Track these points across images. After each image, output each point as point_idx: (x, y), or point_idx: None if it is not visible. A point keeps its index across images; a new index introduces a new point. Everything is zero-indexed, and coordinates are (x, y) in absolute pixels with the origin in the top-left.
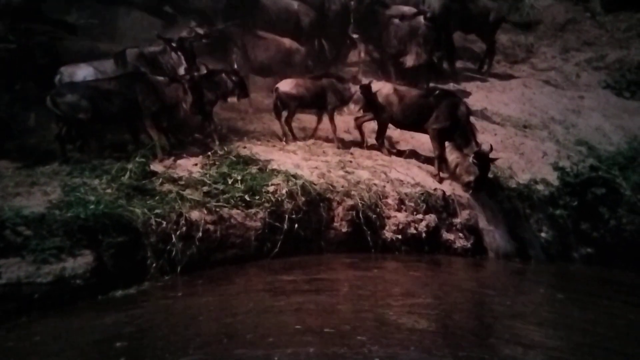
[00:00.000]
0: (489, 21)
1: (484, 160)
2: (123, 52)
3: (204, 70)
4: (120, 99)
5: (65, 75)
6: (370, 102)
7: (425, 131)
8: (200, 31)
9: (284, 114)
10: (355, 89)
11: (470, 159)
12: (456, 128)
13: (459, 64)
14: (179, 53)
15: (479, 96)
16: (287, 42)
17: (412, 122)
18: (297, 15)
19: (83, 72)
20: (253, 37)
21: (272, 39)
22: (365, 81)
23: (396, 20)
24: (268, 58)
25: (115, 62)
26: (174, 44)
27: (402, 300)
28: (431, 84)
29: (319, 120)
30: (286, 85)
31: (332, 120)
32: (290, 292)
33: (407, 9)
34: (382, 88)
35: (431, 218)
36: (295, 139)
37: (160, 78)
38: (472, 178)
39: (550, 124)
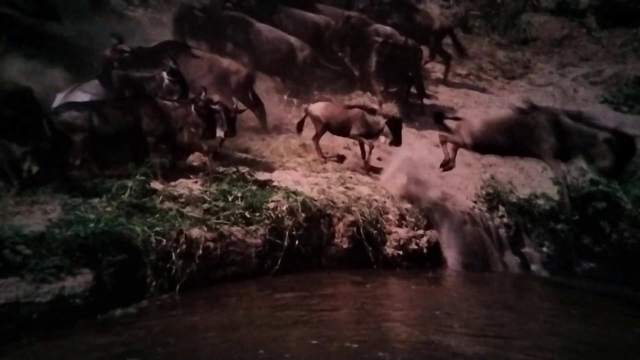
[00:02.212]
0: (432, 31)
1: (628, 144)
2: (108, 74)
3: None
4: (121, 121)
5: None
6: (397, 135)
7: None
8: (126, 48)
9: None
10: (384, 122)
11: (606, 143)
12: None
13: (456, 79)
14: (174, 81)
15: (478, 111)
16: (225, 62)
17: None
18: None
19: (79, 99)
20: (186, 55)
21: (207, 58)
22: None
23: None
24: (199, 77)
25: (101, 83)
26: (172, 74)
27: (414, 315)
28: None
29: (366, 146)
30: (315, 108)
31: (361, 146)
32: (296, 308)
33: (389, 30)
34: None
35: (432, 233)
36: (322, 157)
37: (168, 103)
38: (607, 163)
39: None
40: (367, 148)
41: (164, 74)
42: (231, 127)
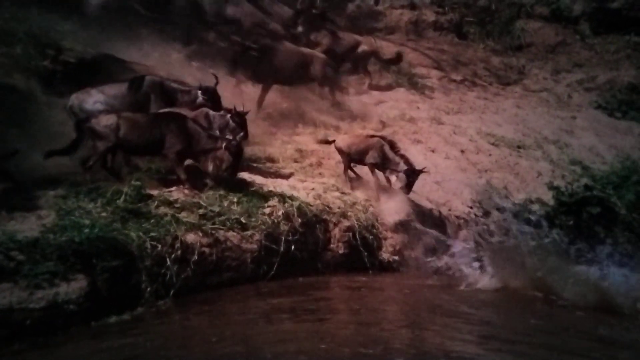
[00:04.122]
0: (357, 54)
1: None
2: (142, 78)
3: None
4: (147, 136)
5: (76, 102)
6: (410, 185)
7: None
8: (72, 60)
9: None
10: (403, 167)
11: None
12: None
13: (452, 85)
14: (206, 99)
15: (473, 117)
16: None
17: None
18: None
19: (93, 99)
20: (117, 66)
21: (139, 68)
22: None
23: None
24: None
25: (129, 87)
26: (205, 93)
27: (418, 320)
28: None
29: (373, 173)
30: (340, 141)
31: (373, 173)
32: (296, 313)
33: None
34: None
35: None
36: (351, 183)
37: (200, 130)
38: None
39: (544, 144)
40: (374, 177)
41: (198, 92)
42: (245, 131)
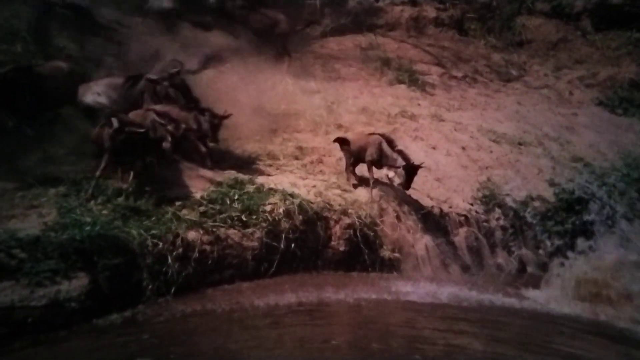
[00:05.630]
0: (275, 32)
1: None
2: (139, 77)
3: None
4: (97, 134)
5: (80, 96)
6: (408, 181)
7: None
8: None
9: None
10: (401, 162)
11: None
12: None
13: (452, 81)
14: (166, 86)
15: (474, 114)
16: (62, 65)
17: None
18: None
19: (91, 92)
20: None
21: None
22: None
23: None
24: (57, 85)
25: (125, 82)
26: (169, 80)
27: (422, 317)
28: None
29: (370, 170)
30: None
31: (369, 170)
32: (299, 310)
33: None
34: None
35: (428, 236)
36: (356, 182)
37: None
38: None
39: (545, 141)
40: (370, 174)
41: (165, 83)
42: (214, 135)
